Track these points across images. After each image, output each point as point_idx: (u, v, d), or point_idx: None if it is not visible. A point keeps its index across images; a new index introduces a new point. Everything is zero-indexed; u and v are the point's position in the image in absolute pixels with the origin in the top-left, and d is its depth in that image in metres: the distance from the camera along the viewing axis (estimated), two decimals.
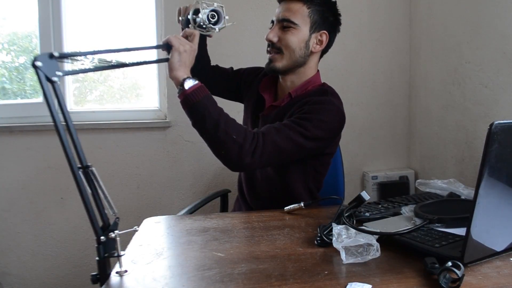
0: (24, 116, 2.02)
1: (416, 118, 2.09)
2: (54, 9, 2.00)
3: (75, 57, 0.83)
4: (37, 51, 2.04)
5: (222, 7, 1.12)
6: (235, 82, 1.48)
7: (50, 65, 0.74)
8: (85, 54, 0.85)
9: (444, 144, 1.83)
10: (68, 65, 0.84)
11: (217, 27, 1.12)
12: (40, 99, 2.05)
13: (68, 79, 2.06)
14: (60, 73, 0.75)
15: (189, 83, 1.04)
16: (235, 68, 1.54)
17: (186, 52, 1.07)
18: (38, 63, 0.72)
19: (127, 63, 0.95)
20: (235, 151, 1.04)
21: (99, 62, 0.88)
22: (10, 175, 2.01)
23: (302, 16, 1.23)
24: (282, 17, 1.23)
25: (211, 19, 1.11)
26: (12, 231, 2.03)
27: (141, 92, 2.24)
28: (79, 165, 0.76)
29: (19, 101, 2.14)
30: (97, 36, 2.12)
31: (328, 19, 1.28)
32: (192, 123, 1.08)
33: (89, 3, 2.10)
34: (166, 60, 1.08)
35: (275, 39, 1.23)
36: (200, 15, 1.11)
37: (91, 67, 0.88)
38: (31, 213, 2.03)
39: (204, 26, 1.12)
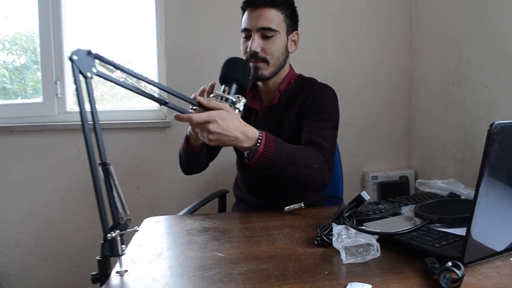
0: (24, 116, 2.02)
1: (416, 118, 2.09)
2: (54, 9, 2.00)
3: (109, 66, 0.83)
4: (38, 51, 2.04)
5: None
6: None
7: (86, 61, 0.77)
8: (120, 68, 0.84)
9: (444, 144, 1.83)
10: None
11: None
12: (40, 99, 2.05)
13: (69, 79, 2.06)
14: (94, 70, 0.78)
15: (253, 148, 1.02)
16: None
17: (223, 119, 0.96)
18: (74, 57, 0.76)
19: (167, 102, 0.92)
20: (319, 177, 1.10)
21: (128, 80, 0.87)
22: (10, 175, 2.01)
23: (279, 22, 1.25)
24: (261, 26, 1.23)
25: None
26: (12, 231, 2.03)
27: None
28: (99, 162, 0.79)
29: (19, 101, 2.14)
30: (97, 36, 2.12)
31: (295, 19, 1.32)
32: (272, 175, 1.08)
33: (89, 3, 2.10)
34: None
35: (259, 50, 1.23)
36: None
37: (122, 81, 0.87)
38: (31, 213, 2.03)
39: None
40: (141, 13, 2.10)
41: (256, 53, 1.23)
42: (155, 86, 0.90)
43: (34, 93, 2.16)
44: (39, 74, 2.07)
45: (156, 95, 0.91)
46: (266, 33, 1.23)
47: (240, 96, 1.05)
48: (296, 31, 1.33)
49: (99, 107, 2.15)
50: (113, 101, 2.21)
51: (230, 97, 1.04)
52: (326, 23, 2.07)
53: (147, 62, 2.13)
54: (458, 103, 1.71)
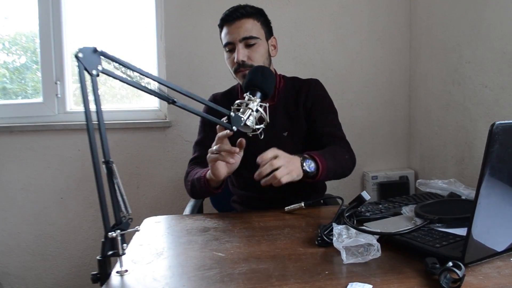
0: (24, 116, 2.02)
1: (416, 118, 2.09)
2: (54, 9, 2.00)
3: (114, 63, 0.82)
4: (38, 51, 2.04)
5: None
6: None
7: (92, 58, 0.78)
8: (128, 66, 0.83)
9: (444, 144, 1.83)
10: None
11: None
12: (40, 99, 2.05)
13: (69, 79, 2.06)
14: (100, 68, 0.78)
15: (308, 167, 1.13)
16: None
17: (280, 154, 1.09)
18: (80, 55, 0.76)
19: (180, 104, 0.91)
20: (351, 164, 1.32)
21: (135, 79, 0.86)
22: (10, 175, 2.01)
23: (258, 29, 1.33)
24: (243, 36, 1.30)
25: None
26: (12, 231, 2.03)
27: (141, 92, 2.24)
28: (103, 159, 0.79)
29: (19, 101, 2.14)
30: (97, 36, 2.12)
31: (269, 26, 1.40)
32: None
33: (89, 3, 2.10)
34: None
35: (245, 59, 1.29)
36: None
37: (129, 79, 0.86)
38: (31, 213, 2.03)
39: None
40: (141, 13, 2.10)
41: (243, 62, 1.29)
42: (168, 86, 0.91)
43: (34, 93, 2.15)
44: (39, 74, 2.07)
45: (163, 93, 0.91)
46: (249, 42, 1.30)
47: (253, 97, 1.05)
48: (273, 36, 1.41)
49: None
50: (113, 101, 2.21)
51: (244, 101, 1.04)
52: (326, 23, 2.07)
53: (147, 62, 2.13)
54: (458, 103, 1.71)
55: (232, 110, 1.00)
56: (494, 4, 1.48)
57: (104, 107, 2.13)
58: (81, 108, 2.10)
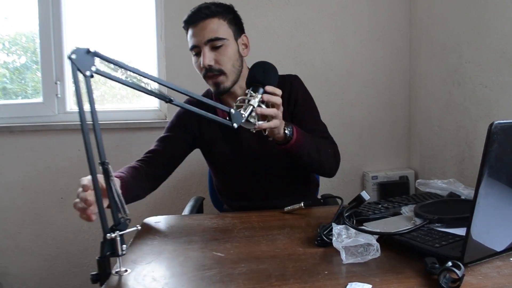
0: (24, 116, 2.02)
1: (416, 118, 2.09)
2: (54, 9, 2.00)
3: (109, 63, 0.81)
4: (38, 51, 2.04)
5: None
6: (182, 141, 1.38)
7: (85, 59, 0.77)
8: (122, 66, 0.82)
9: (444, 144, 1.83)
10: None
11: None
12: (40, 99, 2.05)
13: (69, 79, 2.06)
14: (93, 69, 0.78)
15: (288, 131, 1.11)
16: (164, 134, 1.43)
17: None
18: (73, 56, 0.76)
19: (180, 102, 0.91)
20: (334, 164, 1.27)
21: (131, 79, 0.86)
22: (10, 175, 2.01)
23: (224, 29, 1.23)
24: (208, 38, 1.20)
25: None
26: (12, 231, 2.03)
27: (141, 93, 2.24)
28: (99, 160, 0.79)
29: (19, 101, 2.14)
30: (97, 36, 2.12)
31: (239, 23, 1.31)
32: (297, 159, 1.18)
33: (89, 3, 2.10)
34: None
35: (212, 63, 1.22)
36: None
37: (124, 79, 0.85)
38: (31, 213, 2.03)
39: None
40: (141, 13, 2.10)
41: (210, 66, 1.22)
42: (161, 84, 0.91)
43: (34, 93, 2.16)
44: (39, 74, 2.07)
45: (159, 92, 0.91)
46: (214, 44, 1.21)
47: (255, 94, 1.04)
48: (244, 34, 1.31)
49: (99, 107, 2.17)
50: (113, 101, 2.21)
51: (246, 97, 1.03)
52: (326, 23, 2.07)
53: (147, 62, 2.13)
54: (458, 103, 1.71)
55: (234, 107, 0.99)
56: (494, 4, 1.48)
57: (104, 107, 2.13)
58: None
